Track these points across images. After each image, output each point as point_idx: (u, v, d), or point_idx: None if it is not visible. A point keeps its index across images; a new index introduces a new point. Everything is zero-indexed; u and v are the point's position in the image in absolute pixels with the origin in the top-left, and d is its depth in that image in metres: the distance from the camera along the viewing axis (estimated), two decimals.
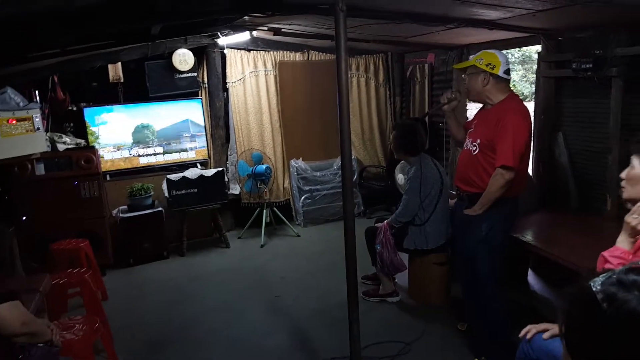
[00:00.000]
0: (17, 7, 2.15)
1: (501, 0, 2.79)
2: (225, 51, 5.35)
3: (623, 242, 1.78)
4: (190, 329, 3.43)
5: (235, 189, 5.53)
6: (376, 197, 5.94)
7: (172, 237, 4.98)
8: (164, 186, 4.86)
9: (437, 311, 3.51)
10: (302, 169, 5.65)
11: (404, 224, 3.55)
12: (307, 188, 5.66)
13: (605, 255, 1.80)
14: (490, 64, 2.73)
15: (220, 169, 5.14)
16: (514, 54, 12.81)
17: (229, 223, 5.59)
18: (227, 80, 5.43)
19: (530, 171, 4.02)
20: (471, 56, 3.05)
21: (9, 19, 2.42)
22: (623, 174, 1.80)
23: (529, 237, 3.21)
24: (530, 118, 2.79)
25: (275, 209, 5.46)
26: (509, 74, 2.80)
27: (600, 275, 0.85)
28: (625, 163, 3.37)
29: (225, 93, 5.50)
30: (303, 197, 5.65)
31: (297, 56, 5.69)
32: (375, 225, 3.72)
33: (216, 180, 5.00)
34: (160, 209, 4.82)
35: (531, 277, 3.90)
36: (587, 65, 3.33)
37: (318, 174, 5.68)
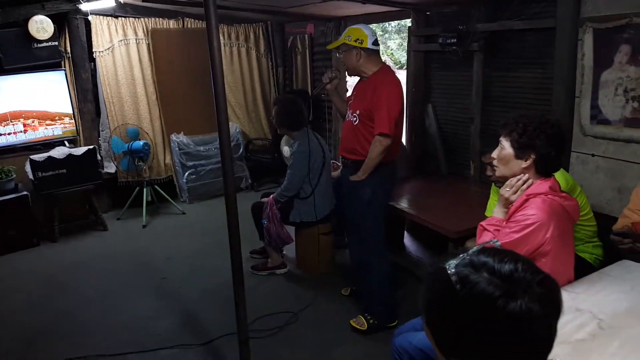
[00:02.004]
0: None
1: None
2: (90, 18, 4.88)
3: (498, 213, 1.98)
4: (71, 321, 3.19)
5: (110, 168, 5.17)
6: (263, 170, 5.95)
7: (43, 222, 4.56)
8: (28, 168, 4.38)
9: (324, 279, 3.65)
10: (184, 143, 5.43)
11: (290, 198, 3.60)
12: (191, 163, 5.47)
13: (483, 224, 2.00)
14: (358, 39, 2.87)
15: (91, 146, 4.74)
16: (391, 23, 13.31)
17: (106, 204, 5.24)
18: (93, 50, 4.98)
19: (403, 140, 4.30)
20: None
21: None
22: (494, 154, 1.95)
23: (403, 204, 3.45)
24: (401, 87, 2.98)
25: (156, 186, 5.22)
26: (378, 44, 2.96)
27: (456, 257, 0.91)
28: (486, 131, 3.74)
29: (93, 64, 5.05)
30: (187, 173, 5.46)
31: (172, 23, 5.38)
32: (261, 200, 3.73)
33: (87, 159, 4.62)
34: (25, 193, 4.36)
35: (407, 240, 4.21)
36: (452, 40, 3.59)
37: (202, 148, 5.51)
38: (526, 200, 1.85)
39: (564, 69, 2.98)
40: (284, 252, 3.87)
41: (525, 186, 1.87)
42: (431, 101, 4.14)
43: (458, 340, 0.86)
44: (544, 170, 1.87)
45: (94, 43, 4.97)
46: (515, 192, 1.89)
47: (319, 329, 3.03)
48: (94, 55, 5.00)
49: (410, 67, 4.29)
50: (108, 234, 4.78)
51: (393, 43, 14.80)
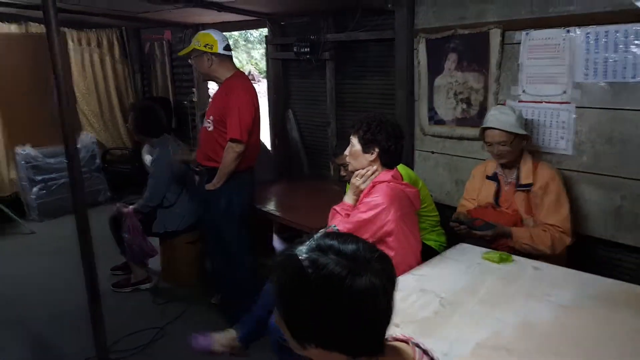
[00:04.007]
0: None
1: None
2: None
3: (349, 199, 2.25)
4: None
5: None
6: (124, 181, 5.63)
7: None
8: None
9: (192, 290, 3.57)
10: (31, 156, 4.96)
11: (153, 208, 3.48)
12: (40, 177, 5.00)
13: (336, 208, 2.24)
14: (208, 44, 2.87)
15: None
16: (253, 33, 13.47)
17: None
18: None
19: (268, 145, 4.40)
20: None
21: None
22: (346, 152, 2.21)
23: (269, 206, 3.53)
24: (255, 93, 3.02)
25: (0, 205, 4.68)
26: (230, 50, 2.98)
27: (304, 244, 0.95)
28: (341, 134, 3.97)
29: None
30: (36, 188, 4.98)
31: (13, 28, 4.90)
32: (119, 211, 3.52)
33: None
34: None
35: (276, 242, 4.31)
36: (305, 49, 3.77)
37: (52, 160, 5.06)
38: (373, 187, 2.12)
39: (403, 76, 3.29)
40: (149, 266, 3.72)
41: (373, 176, 2.15)
42: (291, 107, 4.29)
43: (312, 324, 0.90)
44: (387, 162, 2.17)
45: None
46: (364, 182, 2.16)
47: (187, 342, 2.96)
48: None
49: (269, 74, 4.41)
50: None
51: (257, 53, 14.95)
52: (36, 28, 5.00)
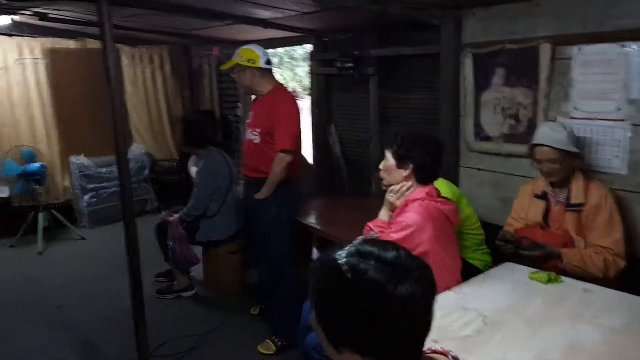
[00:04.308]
0: None
1: (271, 1, 3.01)
2: None
3: (384, 215, 2.21)
4: None
5: (2, 192, 4.81)
6: (171, 192, 5.79)
7: None
8: None
9: (233, 300, 3.62)
10: (84, 165, 5.20)
11: (196, 217, 3.56)
12: (92, 186, 5.23)
13: (370, 225, 2.21)
14: (250, 59, 2.96)
15: None
16: (298, 51, 13.64)
17: None
18: None
19: (310, 159, 4.44)
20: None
21: None
22: (381, 165, 2.16)
23: (310, 219, 3.54)
24: (298, 105, 3.08)
25: (53, 211, 4.92)
26: (270, 63, 3.05)
27: (344, 249, 0.95)
28: (383, 149, 3.95)
29: None
30: (88, 197, 5.21)
31: (71, 43, 5.19)
32: (165, 219, 3.63)
33: None
34: None
35: (315, 255, 4.30)
36: (349, 64, 3.80)
37: (104, 170, 5.29)
38: (406, 205, 2.05)
39: (448, 91, 3.25)
40: (191, 274, 3.80)
41: (407, 192, 2.08)
42: (333, 121, 4.32)
43: (348, 328, 0.90)
44: (422, 178, 2.09)
45: None
46: (398, 198, 2.09)
47: (227, 351, 3.00)
48: None
49: (313, 89, 4.46)
50: None
51: (301, 70, 15.03)
52: (93, 44, 5.26)
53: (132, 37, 5.31)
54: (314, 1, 2.79)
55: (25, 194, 4.76)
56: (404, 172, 2.08)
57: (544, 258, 2.29)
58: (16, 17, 4.41)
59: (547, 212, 2.47)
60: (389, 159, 2.12)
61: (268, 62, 3.00)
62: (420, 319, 0.91)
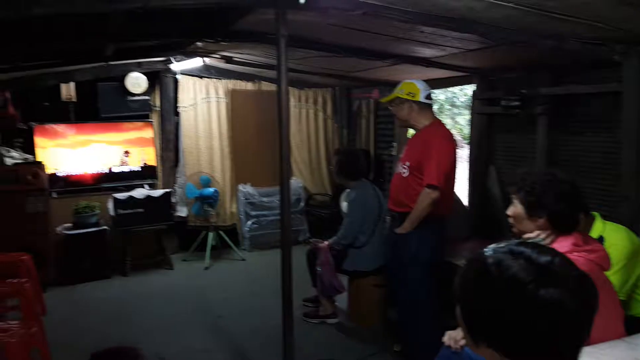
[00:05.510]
0: None
1: (433, 38, 3.05)
2: (178, 77, 5.45)
3: None
4: None
5: (182, 212, 5.50)
6: (322, 224, 6.04)
7: (116, 257, 4.92)
8: (110, 205, 4.81)
9: (375, 333, 3.59)
10: (249, 194, 5.71)
11: (345, 246, 3.66)
12: (255, 213, 5.71)
13: None
14: (410, 92, 2.96)
15: (167, 190, 5.13)
16: (460, 98, 13.38)
17: (174, 245, 5.54)
18: (178, 105, 5.49)
19: (465, 201, 4.29)
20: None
21: None
22: (509, 212, 1.88)
23: (460, 261, 3.40)
24: (454, 142, 3.02)
25: (221, 232, 5.47)
26: (431, 99, 3.04)
27: (494, 244, 0.95)
28: None
29: (177, 117, 5.54)
30: (250, 222, 5.69)
31: (249, 85, 5.86)
32: (316, 246, 3.78)
33: (163, 201, 4.99)
34: (105, 227, 4.78)
35: None
36: (515, 103, 3.64)
37: (266, 199, 5.75)
38: None
39: (632, 133, 2.93)
40: (336, 303, 3.87)
41: (546, 242, 1.75)
42: (493, 163, 4.15)
43: (487, 323, 0.90)
44: (561, 227, 1.77)
45: (180, 99, 5.50)
46: None
47: None
48: (178, 109, 5.50)
49: (473, 130, 4.36)
50: (173, 272, 5.07)
51: (462, 119, 14.62)
52: (267, 86, 5.88)
53: (301, 80, 5.81)
54: (482, 37, 2.75)
55: (199, 215, 5.37)
56: (537, 222, 1.77)
57: None
58: (207, 60, 5.16)
59: None
60: (517, 206, 1.82)
61: (428, 97, 2.99)
62: (566, 333, 0.86)
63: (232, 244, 5.45)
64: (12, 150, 4.61)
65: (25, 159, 4.65)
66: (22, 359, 2.35)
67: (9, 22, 2.65)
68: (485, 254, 0.93)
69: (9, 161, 4.46)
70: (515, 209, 1.84)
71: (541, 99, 3.57)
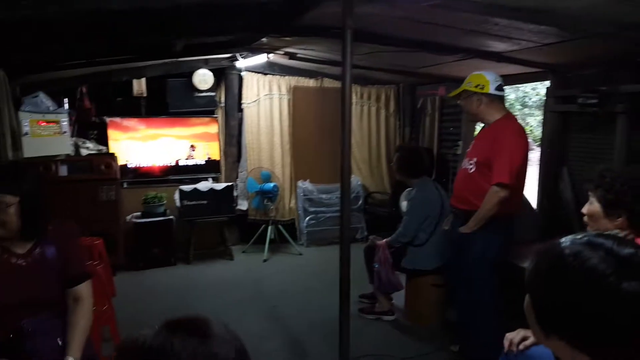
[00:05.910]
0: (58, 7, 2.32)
1: (508, 32, 2.92)
2: (243, 74, 5.57)
3: None
4: None
5: (243, 205, 5.64)
6: (380, 223, 5.98)
7: (181, 246, 5.14)
8: (176, 196, 5.02)
9: (432, 332, 3.52)
10: (308, 190, 5.75)
11: (404, 244, 3.60)
12: (313, 209, 5.74)
13: None
14: (479, 84, 2.83)
15: (230, 183, 5.27)
16: (532, 98, 12.72)
17: (235, 237, 5.69)
18: (242, 101, 5.62)
19: (535, 204, 4.09)
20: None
21: (49, 21, 2.59)
22: (584, 210, 1.83)
23: (526, 264, 3.24)
24: (526, 137, 2.87)
25: (280, 227, 5.55)
26: (502, 90, 2.88)
27: (572, 235, 0.91)
28: None
29: (240, 113, 5.68)
30: (308, 218, 5.74)
31: (311, 82, 5.89)
32: (374, 242, 3.73)
33: (225, 194, 5.14)
34: (171, 217, 5.01)
35: None
36: (593, 101, 3.42)
37: (324, 196, 5.76)
38: None
39: None
40: (393, 300, 3.82)
41: None
42: (566, 164, 3.93)
43: (561, 314, 0.86)
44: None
45: (244, 95, 5.63)
46: None
47: None
48: (242, 106, 5.63)
49: (545, 128, 4.16)
50: (233, 263, 5.22)
51: (533, 120, 13.91)
52: (329, 83, 5.89)
53: (363, 77, 5.78)
54: (561, 30, 2.60)
55: (259, 209, 5.49)
56: (615, 222, 1.71)
57: None
58: (271, 56, 5.24)
59: None
60: (595, 205, 1.76)
61: (499, 88, 2.85)
62: None
63: (290, 239, 5.52)
64: (87, 141, 4.92)
65: (99, 150, 4.95)
66: (94, 335, 2.49)
67: (87, 17, 2.77)
68: (562, 244, 0.89)
69: (84, 152, 4.77)
70: (592, 207, 1.78)
71: (621, 97, 3.34)
